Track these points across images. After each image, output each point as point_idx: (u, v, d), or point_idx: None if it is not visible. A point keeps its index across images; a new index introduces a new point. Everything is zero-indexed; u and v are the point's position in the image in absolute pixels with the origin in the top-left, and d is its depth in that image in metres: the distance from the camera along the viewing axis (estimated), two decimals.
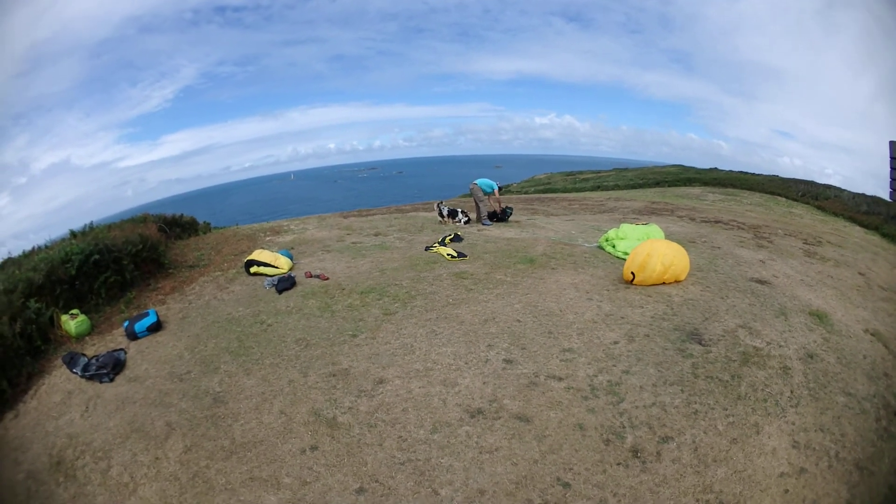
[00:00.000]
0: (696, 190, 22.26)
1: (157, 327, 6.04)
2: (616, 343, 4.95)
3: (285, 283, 7.01)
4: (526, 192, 27.02)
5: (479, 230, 10.36)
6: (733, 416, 3.94)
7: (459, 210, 11.70)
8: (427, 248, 8.55)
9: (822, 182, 20.80)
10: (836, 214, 14.99)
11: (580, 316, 5.60)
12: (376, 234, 10.34)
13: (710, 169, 29.16)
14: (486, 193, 11.52)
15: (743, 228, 11.35)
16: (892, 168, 17.40)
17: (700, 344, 4.81)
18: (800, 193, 17.66)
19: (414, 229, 10.84)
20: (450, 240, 9.05)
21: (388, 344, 5.27)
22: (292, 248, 9.25)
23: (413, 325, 5.63)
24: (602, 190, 24.99)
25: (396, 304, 6.19)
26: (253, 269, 7.62)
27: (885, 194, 16.92)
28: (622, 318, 5.47)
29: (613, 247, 8.08)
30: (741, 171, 26.59)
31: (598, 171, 37.85)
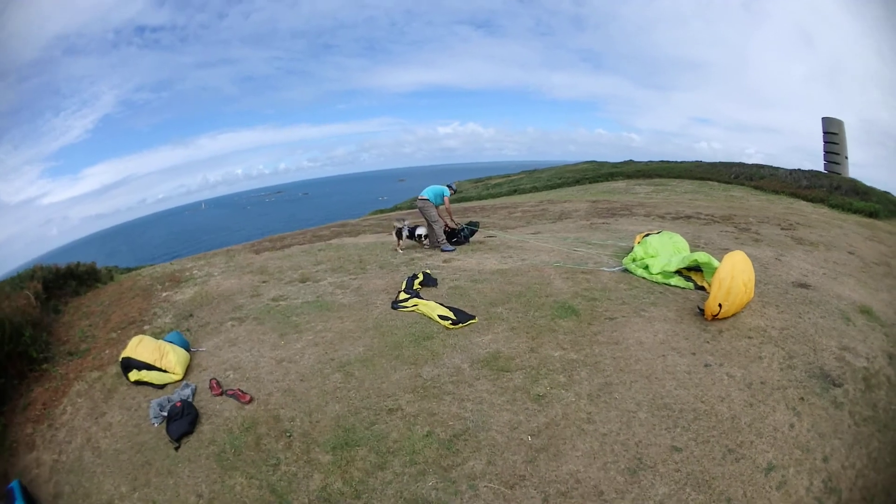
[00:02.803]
0: (621, 184, 22.33)
1: None
2: (792, 426, 3.64)
3: (182, 425, 4.03)
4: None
5: (444, 261, 7.90)
6: None
7: (419, 226, 9.11)
8: (396, 305, 5.89)
9: (743, 161, 21.55)
10: (776, 192, 15.12)
11: (725, 400, 3.81)
12: (304, 281, 7.48)
13: (626, 161, 29.93)
14: (437, 206, 8.83)
15: (718, 221, 10.59)
16: (825, 142, 18.47)
17: (834, 385, 4.12)
18: (733, 176, 17.89)
19: (352, 267, 8.05)
20: (420, 283, 6.55)
21: None
22: (190, 317, 6.38)
23: None
24: (519, 193, 24.45)
25: (421, 485, 3.31)
26: (133, 377, 4.84)
27: (812, 167, 17.77)
28: (762, 382, 4.07)
29: (646, 268, 6.29)
30: (661, 161, 27.28)
31: (508, 175, 38.06)
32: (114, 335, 6.11)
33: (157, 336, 5.70)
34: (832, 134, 17.92)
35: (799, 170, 16.62)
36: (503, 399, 4.00)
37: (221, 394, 4.45)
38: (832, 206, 12.54)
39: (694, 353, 4.37)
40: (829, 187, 14.02)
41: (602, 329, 4.92)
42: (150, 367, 4.82)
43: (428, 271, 7.00)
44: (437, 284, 6.55)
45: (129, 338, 5.65)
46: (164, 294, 7.52)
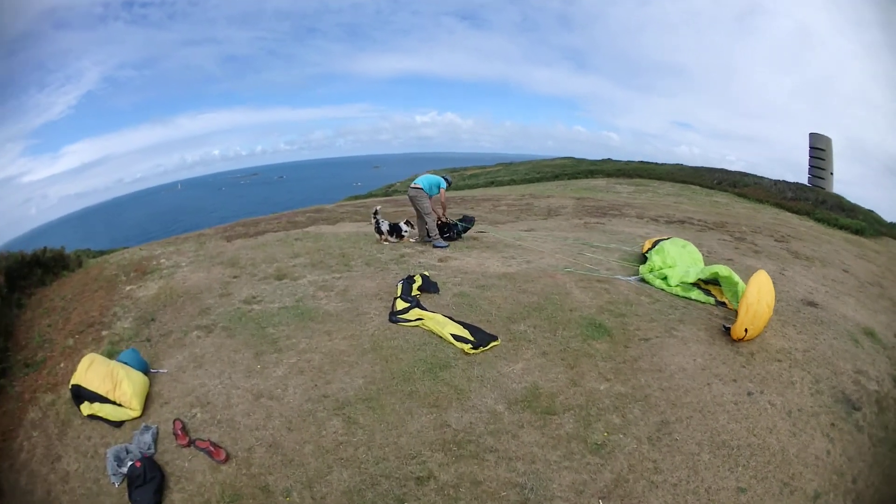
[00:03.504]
0: (601, 181, 22.25)
1: None
2: (828, 453, 3.59)
3: (145, 495, 3.20)
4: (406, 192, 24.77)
5: (439, 260, 7.09)
6: None
7: (402, 223, 8.32)
8: (395, 317, 5.05)
9: (724, 168, 21.77)
10: (760, 201, 15.15)
11: (773, 432, 3.62)
12: (280, 278, 6.52)
13: (604, 160, 30.06)
14: (430, 196, 7.97)
15: (712, 228, 10.42)
16: (811, 157, 18.77)
17: (854, 408, 4.10)
18: (715, 181, 17.95)
19: (335, 263, 7.10)
20: (418, 288, 5.75)
21: None
22: (152, 322, 5.50)
23: None
24: (497, 185, 24.11)
25: None
26: (86, 410, 4.02)
27: (795, 178, 18.05)
28: (799, 410, 3.93)
29: (665, 279, 5.86)
30: (641, 161, 27.46)
31: (484, 167, 37.95)
32: (70, 342, 5.29)
33: (113, 348, 4.90)
34: (819, 149, 18.30)
35: (784, 181, 16.86)
36: (558, 454, 3.37)
37: (189, 444, 3.59)
38: (818, 220, 12.66)
39: (735, 381, 4.12)
40: (815, 201, 14.22)
41: (641, 353, 4.42)
42: (103, 400, 3.96)
43: (426, 273, 6.21)
44: (438, 291, 5.78)
45: (87, 345, 5.16)
46: (128, 288, 6.59)
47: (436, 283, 5.92)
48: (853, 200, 15.30)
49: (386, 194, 25.21)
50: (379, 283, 6.14)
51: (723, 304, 5.50)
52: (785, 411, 3.83)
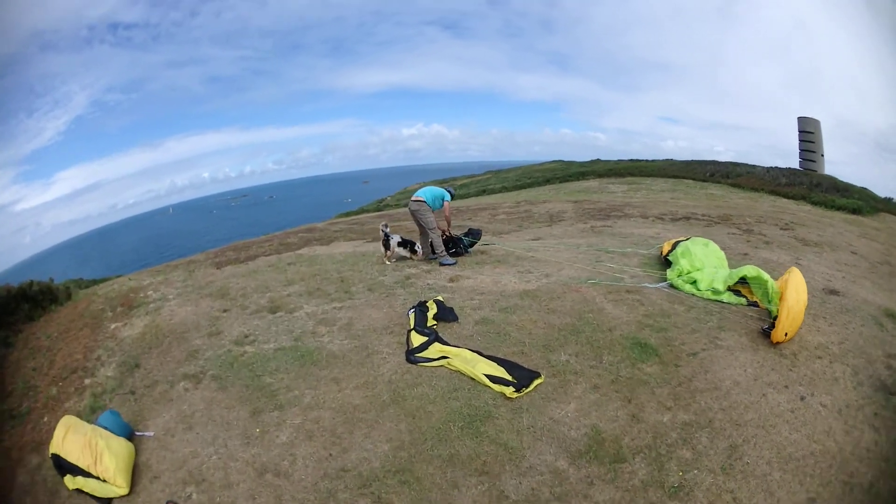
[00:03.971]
0: (594, 182, 22.20)
1: None
2: (877, 443, 3.54)
3: None
4: (406, 205, 24.54)
5: (450, 280, 6.60)
6: None
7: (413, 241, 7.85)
8: (413, 357, 4.51)
9: (713, 159, 21.92)
10: (755, 189, 15.17)
11: (830, 434, 3.56)
12: (274, 311, 6.03)
13: (593, 160, 30.11)
14: (433, 210, 7.47)
15: (718, 222, 10.35)
16: (801, 140, 18.99)
17: (891, 394, 4.02)
18: (708, 174, 18.01)
19: (334, 290, 6.58)
20: (434, 317, 5.21)
21: None
22: (136, 368, 5.14)
23: None
24: (489, 194, 23.77)
25: None
26: (71, 485, 3.65)
27: (786, 164, 18.25)
28: (846, 406, 3.87)
29: (694, 283, 5.58)
30: (632, 160, 27.55)
31: (473, 175, 37.74)
32: (54, 391, 5.02)
33: (95, 402, 4.64)
34: (808, 132, 18.49)
35: (776, 167, 16.94)
36: None
37: None
38: (815, 204, 12.69)
39: (787, 386, 3.97)
40: (810, 185, 14.29)
41: (693, 371, 4.12)
42: (86, 474, 3.55)
43: (440, 298, 5.69)
44: (457, 319, 5.23)
45: (70, 395, 4.88)
46: (113, 327, 6.27)
47: (452, 310, 5.41)
48: (845, 180, 15.45)
49: (377, 209, 24.97)
50: (387, 313, 5.63)
51: (755, 304, 5.29)
52: (836, 410, 3.77)
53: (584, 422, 3.60)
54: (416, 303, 5.60)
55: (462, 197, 24.14)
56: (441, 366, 4.32)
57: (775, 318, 4.61)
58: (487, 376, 4.01)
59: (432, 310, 5.33)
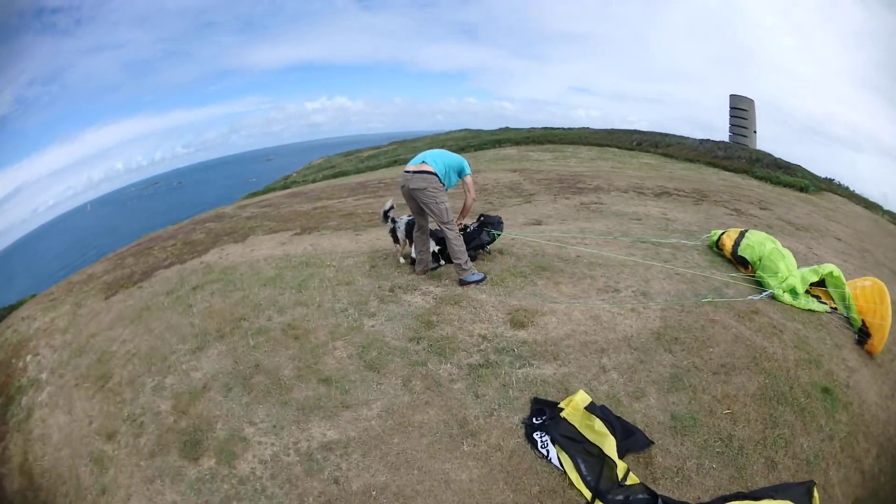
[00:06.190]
0: (512, 150, 20.99)
1: None
2: None
3: None
4: (314, 181, 20.77)
5: (512, 323, 4.09)
6: None
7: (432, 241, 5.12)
8: None
9: (627, 128, 22.17)
10: (690, 160, 15.21)
11: None
12: (194, 445, 3.33)
13: (502, 129, 29.20)
14: (447, 188, 4.67)
15: (701, 201, 9.64)
16: (731, 116, 19.77)
17: None
18: (635, 143, 17.90)
19: (289, 368, 3.83)
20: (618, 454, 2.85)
21: None
22: None
23: None
24: (399, 164, 21.69)
25: None
26: None
27: (703, 136, 18.98)
28: None
29: (794, 293, 4.67)
30: (545, 127, 26.99)
31: (378, 147, 35.08)
32: None
33: None
34: (740, 109, 19.35)
35: (709, 140, 17.42)
36: None
37: None
38: (759, 179, 12.86)
39: None
40: (749, 159, 14.70)
41: (874, 414, 3.47)
42: None
43: (587, 397, 3.19)
44: (650, 442, 2.99)
45: None
46: None
47: (636, 427, 3.02)
48: (777, 156, 16.34)
49: (284, 186, 21.18)
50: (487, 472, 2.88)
51: (835, 310, 4.63)
52: None
53: None
54: (544, 417, 2.93)
55: (371, 169, 21.39)
56: None
57: (859, 328, 4.26)
58: None
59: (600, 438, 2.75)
